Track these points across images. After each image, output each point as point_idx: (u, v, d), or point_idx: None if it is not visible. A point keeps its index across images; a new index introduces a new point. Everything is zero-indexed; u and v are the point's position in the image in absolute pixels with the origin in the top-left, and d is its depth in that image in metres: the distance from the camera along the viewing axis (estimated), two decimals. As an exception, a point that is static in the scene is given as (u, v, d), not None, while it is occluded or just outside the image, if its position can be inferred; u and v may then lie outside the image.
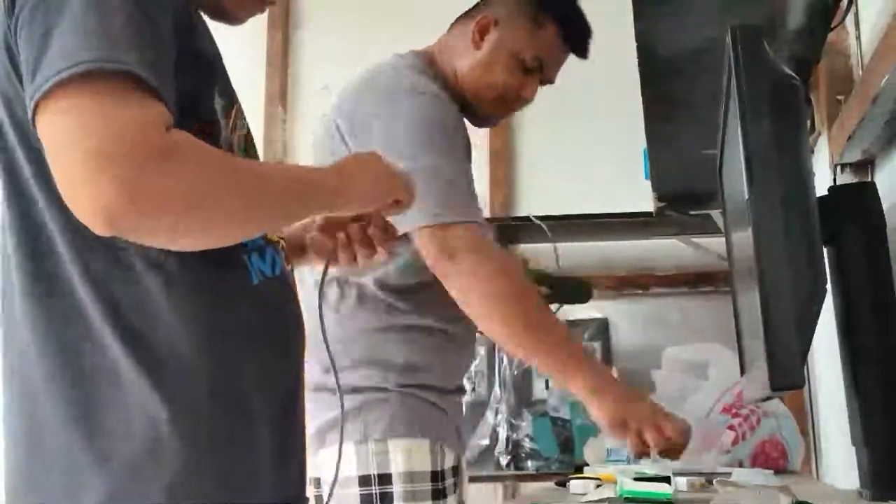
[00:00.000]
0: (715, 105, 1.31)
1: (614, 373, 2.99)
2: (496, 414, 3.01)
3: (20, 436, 0.95)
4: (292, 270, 1.14)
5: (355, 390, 1.56)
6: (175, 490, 0.90)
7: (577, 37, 1.75)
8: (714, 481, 1.58)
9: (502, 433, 2.97)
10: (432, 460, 1.58)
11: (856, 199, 1.31)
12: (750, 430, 2.02)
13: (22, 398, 0.95)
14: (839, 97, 1.79)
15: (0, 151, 0.97)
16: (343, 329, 1.59)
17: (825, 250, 1.23)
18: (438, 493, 1.59)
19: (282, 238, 1.12)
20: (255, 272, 1.02)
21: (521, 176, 3.45)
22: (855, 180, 1.72)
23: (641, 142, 2.15)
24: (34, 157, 0.93)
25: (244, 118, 1.08)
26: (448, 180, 1.54)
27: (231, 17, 1.14)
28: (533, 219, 2.92)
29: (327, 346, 1.25)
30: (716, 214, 2.49)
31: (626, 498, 1.39)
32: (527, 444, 2.94)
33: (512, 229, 3.18)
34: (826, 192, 1.31)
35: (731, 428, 2.02)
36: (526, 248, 3.29)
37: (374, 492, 1.54)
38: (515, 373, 3.06)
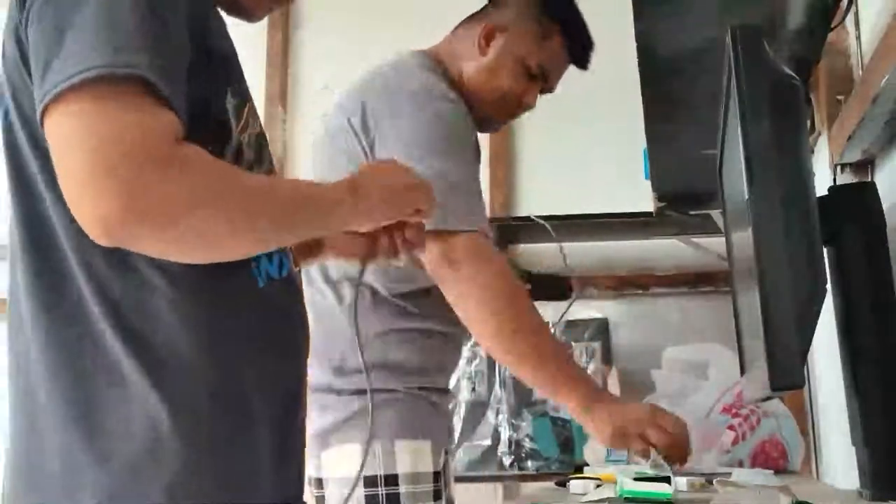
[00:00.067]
0: (715, 105, 1.31)
1: (614, 373, 3.00)
2: (497, 414, 3.01)
3: (21, 434, 0.95)
4: (300, 272, 1.14)
5: (364, 392, 1.57)
6: (175, 490, 0.90)
7: (580, 49, 1.77)
8: (714, 481, 1.57)
9: (504, 433, 2.97)
10: (434, 461, 1.60)
11: (856, 199, 1.31)
12: (750, 430, 2.02)
13: (24, 396, 0.95)
14: (839, 97, 1.79)
15: (6, 145, 0.97)
16: (350, 332, 1.59)
17: (825, 250, 1.23)
18: (438, 494, 1.61)
19: None
20: (262, 274, 1.02)
21: (522, 176, 3.45)
22: (855, 180, 1.72)
23: (641, 142, 2.15)
24: (40, 154, 0.92)
25: (257, 117, 1.06)
26: (454, 185, 1.54)
27: (248, 13, 1.14)
28: (535, 219, 2.91)
29: (361, 350, 1.26)
30: (716, 214, 2.49)
31: (626, 498, 1.39)
32: (527, 444, 2.94)
33: (512, 229, 3.18)
34: (826, 192, 1.31)
35: (731, 428, 2.02)
36: (526, 248, 3.30)
37: (380, 493, 1.54)
38: (515, 373, 3.06)
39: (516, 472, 2.93)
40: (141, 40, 0.85)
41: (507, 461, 2.94)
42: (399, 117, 1.58)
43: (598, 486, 1.59)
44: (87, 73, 0.82)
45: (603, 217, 3.02)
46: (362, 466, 1.30)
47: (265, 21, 3.59)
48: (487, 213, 1.70)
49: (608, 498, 1.43)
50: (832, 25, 1.67)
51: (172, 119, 0.85)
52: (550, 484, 1.84)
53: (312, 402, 1.19)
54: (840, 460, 2.07)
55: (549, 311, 3.01)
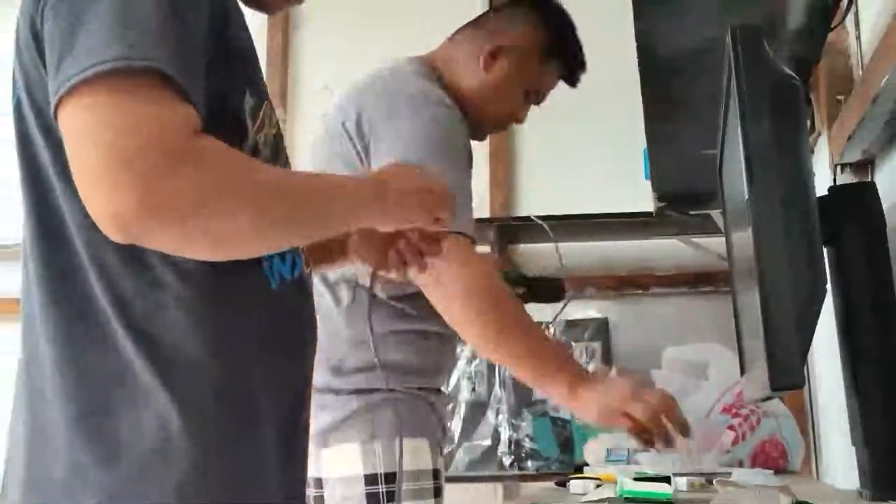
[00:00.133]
0: (715, 105, 1.31)
1: (614, 373, 3.00)
2: (497, 414, 3.02)
3: (25, 431, 0.93)
4: (311, 273, 1.12)
5: (363, 391, 1.59)
6: (183, 490, 0.89)
7: (575, 73, 1.83)
8: (714, 481, 1.58)
9: (504, 433, 2.97)
10: (432, 459, 1.62)
11: (856, 199, 1.31)
12: (750, 430, 2.02)
13: (31, 393, 0.94)
14: (839, 97, 1.79)
15: (19, 136, 0.96)
16: (354, 331, 1.60)
17: (825, 250, 1.23)
18: (437, 491, 1.63)
19: None
20: (275, 275, 1.00)
21: (521, 176, 3.45)
22: (855, 180, 1.72)
23: (641, 142, 2.15)
24: (53, 145, 0.91)
25: (274, 116, 1.05)
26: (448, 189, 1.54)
27: (268, 6, 1.13)
28: (534, 218, 2.91)
29: (376, 351, 1.26)
30: (716, 214, 2.49)
31: (626, 498, 1.39)
32: (527, 444, 2.94)
33: (512, 229, 3.18)
34: (826, 192, 1.31)
35: (731, 428, 2.02)
36: (526, 249, 3.30)
37: (380, 491, 1.56)
38: (515, 373, 3.06)
39: (516, 472, 2.93)
40: (158, 35, 0.83)
41: (507, 461, 2.95)
42: (397, 118, 1.59)
43: (598, 486, 1.59)
44: (102, 65, 0.80)
45: (603, 217, 3.02)
46: (401, 455, 1.32)
47: (265, 21, 3.62)
48: (487, 213, 1.71)
49: (608, 498, 1.43)
50: (832, 25, 1.67)
51: (190, 112, 0.84)
52: (550, 484, 1.85)
53: (313, 401, 1.19)
54: (840, 460, 2.07)
55: (549, 311, 3.02)
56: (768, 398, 1.22)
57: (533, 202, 3.36)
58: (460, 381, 3.09)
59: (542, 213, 2.97)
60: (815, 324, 1.05)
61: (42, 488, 0.91)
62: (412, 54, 1.80)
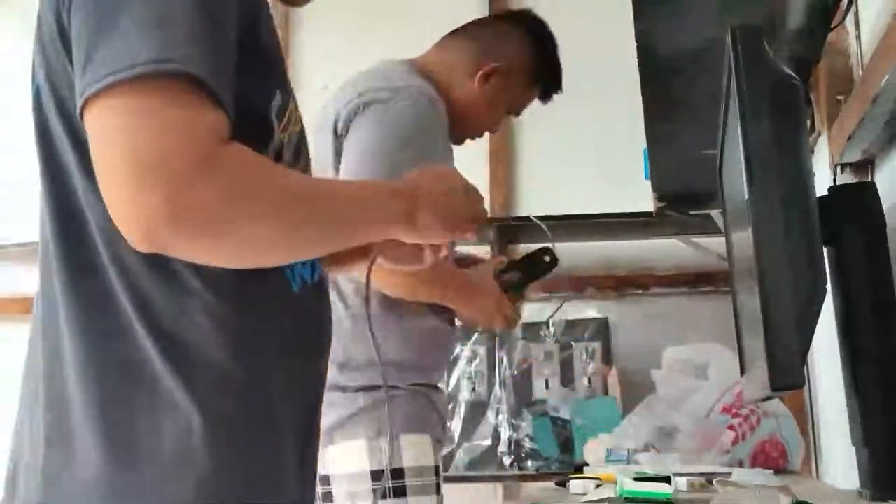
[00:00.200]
0: (715, 105, 1.31)
1: (614, 373, 3.00)
2: (497, 414, 3.02)
3: (45, 429, 0.91)
4: (327, 275, 1.11)
5: (368, 388, 1.61)
6: (203, 495, 0.88)
7: (552, 94, 1.94)
8: (714, 481, 1.58)
9: (504, 433, 2.97)
10: (434, 456, 1.64)
11: (856, 199, 1.31)
12: (750, 430, 2.02)
13: (50, 390, 0.91)
14: (839, 97, 1.79)
15: (38, 125, 0.94)
16: (357, 327, 1.61)
17: (825, 250, 1.23)
18: (438, 488, 1.64)
19: None
20: (297, 279, 0.99)
21: (521, 176, 3.45)
22: (855, 180, 1.72)
23: (641, 142, 2.15)
24: (75, 141, 0.89)
25: (298, 113, 1.03)
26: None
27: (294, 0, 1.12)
28: (533, 218, 2.91)
29: (376, 347, 1.26)
30: (716, 214, 2.49)
31: (626, 498, 1.39)
32: (527, 444, 2.94)
33: (512, 229, 3.18)
34: (826, 192, 1.31)
35: (731, 428, 2.02)
36: (526, 249, 3.29)
37: (386, 486, 1.57)
38: (515, 373, 3.07)
39: (516, 472, 2.93)
40: (191, 37, 0.81)
41: (507, 461, 2.95)
42: (379, 113, 1.63)
43: (598, 486, 1.59)
44: (133, 69, 0.78)
45: (603, 217, 3.02)
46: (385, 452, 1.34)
47: (265, 21, 3.62)
48: (488, 213, 1.73)
49: (608, 498, 1.43)
50: (832, 25, 1.67)
51: (220, 117, 0.82)
52: (550, 484, 1.85)
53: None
54: (840, 460, 2.07)
55: (548, 309, 3.02)
56: (768, 398, 1.22)
57: (533, 202, 3.36)
58: (460, 381, 3.09)
59: (542, 213, 2.97)
60: (815, 324, 1.05)
61: (63, 489, 0.89)
62: (409, 55, 1.82)
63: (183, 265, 0.89)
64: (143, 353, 0.89)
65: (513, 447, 2.96)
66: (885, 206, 1.27)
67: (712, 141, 1.45)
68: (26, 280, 3.28)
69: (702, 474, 1.67)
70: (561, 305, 2.86)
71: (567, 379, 3.06)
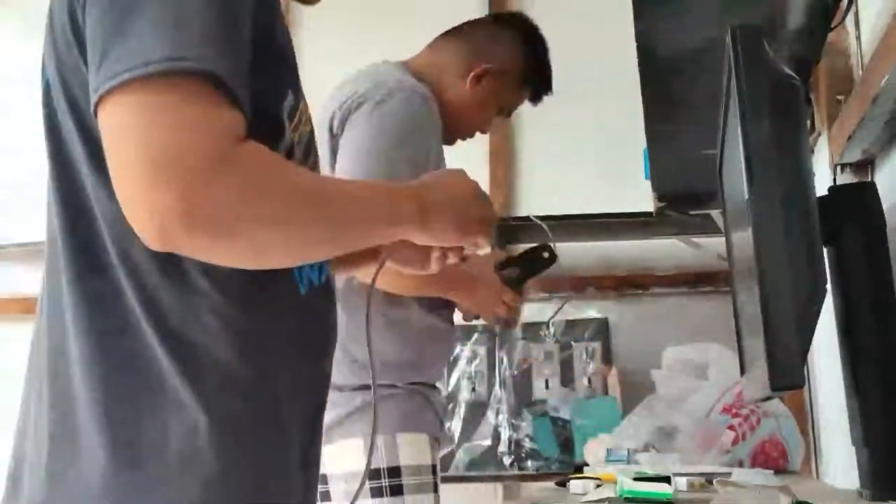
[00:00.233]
0: (715, 105, 1.31)
1: (614, 373, 3.00)
2: (497, 414, 3.02)
3: (50, 427, 0.90)
4: (333, 277, 1.11)
5: (364, 387, 1.61)
6: (208, 496, 0.87)
7: (542, 95, 1.95)
8: (714, 481, 1.58)
9: (504, 433, 2.97)
10: (431, 454, 1.64)
11: (856, 199, 1.31)
12: (750, 430, 2.02)
13: (55, 389, 0.91)
14: (839, 97, 1.79)
15: (47, 120, 0.93)
16: (354, 326, 1.61)
17: (825, 250, 1.23)
18: (435, 487, 1.65)
19: None
20: (304, 281, 0.99)
21: (521, 176, 3.45)
22: (855, 180, 1.72)
23: (641, 142, 2.15)
24: (86, 138, 0.89)
25: (308, 113, 1.03)
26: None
27: None
28: (533, 218, 2.91)
29: (370, 345, 1.26)
30: (716, 214, 2.49)
31: (626, 498, 1.39)
32: (527, 444, 2.94)
33: (512, 229, 3.18)
34: (826, 192, 1.31)
35: (731, 428, 2.02)
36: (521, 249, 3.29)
37: (384, 484, 1.58)
38: (515, 373, 3.07)
39: (516, 472, 2.93)
40: (208, 35, 0.80)
41: (507, 461, 2.95)
42: (372, 109, 1.64)
43: (598, 486, 1.59)
44: (150, 66, 0.77)
45: (603, 217, 3.02)
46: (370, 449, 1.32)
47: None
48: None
49: (608, 498, 1.43)
50: (832, 25, 1.67)
51: (237, 117, 0.81)
52: (550, 484, 1.85)
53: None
54: (840, 460, 2.07)
55: (548, 310, 3.02)
56: (768, 398, 1.22)
57: (533, 202, 3.36)
58: (460, 381, 3.09)
59: (542, 213, 2.97)
60: (815, 324, 1.05)
61: (68, 487, 0.88)
62: (409, 55, 1.84)
63: (192, 265, 0.89)
64: (150, 352, 0.88)
65: (513, 447, 2.96)
66: (885, 206, 1.27)
67: (712, 141, 1.45)
68: (26, 280, 3.29)
69: (702, 474, 1.67)
70: (562, 306, 2.85)
71: (567, 379, 3.06)
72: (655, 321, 3.16)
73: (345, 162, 1.62)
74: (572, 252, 2.95)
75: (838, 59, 1.83)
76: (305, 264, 0.98)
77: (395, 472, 1.60)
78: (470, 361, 3.10)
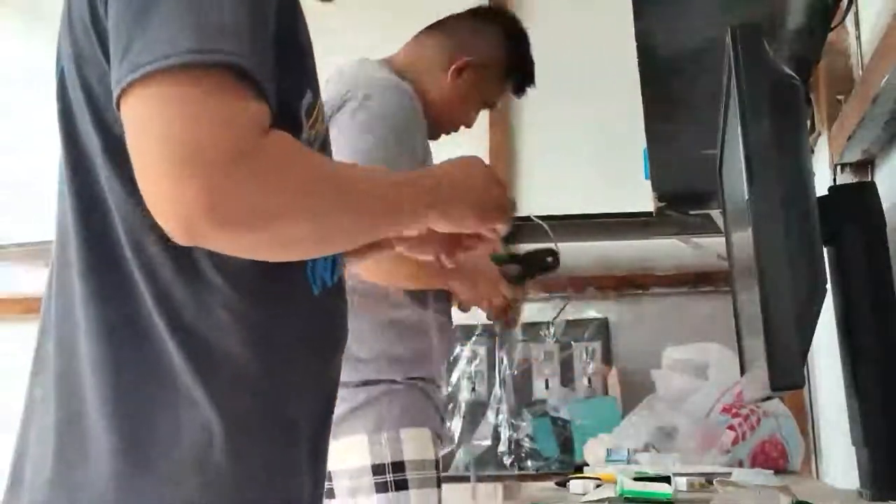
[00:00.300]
0: (715, 105, 1.31)
1: (614, 373, 3.00)
2: (497, 414, 3.02)
3: (56, 425, 0.89)
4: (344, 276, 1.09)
5: (368, 383, 1.62)
6: (219, 496, 0.87)
7: (525, 88, 1.96)
8: (714, 481, 1.58)
9: (504, 433, 2.97)
10: (434, 449, 1.66)
11: (856, 199, 1.31)
12: (750, 430, 2.02)
13: (61, 387, 0.90)
14: (839, 97, 1.79)
15: (61, 111, 0.92)
16: (357, 321, 1.62)
17: (825, 250, 1.23)
18: (439, 482, 1.66)
19: None
20: (317, 280, 0.98)
21: (521, 176, 3.45)
22: (855, 180, 1.72)
23: (641, 142, 2.15)
24: (101, 128, 0.87)
25: (324, 112, 1.02)
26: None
27: None
28: (534, 218, 2.92)
29: (368, 342, 1.26)
30: (716, 214, 2.49)
31: (626, 498, 1.39)
32: (527, 444, 2.94)
33: (512, 229, 3.17)
34: (826, 192, 1.31)
35: (731, 428, 2.02)
36: (526, 249, 3.29)
37: (388, 479, 1.59)
38: (515, 373, 3.07)
39: (516, 472, 2.93)
40: (235, 27, 0.79)
41: (507, 461, 2.95)
42: (358, 105, 1.65)
43: (598, 486, 1.59)
44: (176, 57, 0.76)
45: (603, 217, 3.02)
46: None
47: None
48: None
49: (608, 498, 1.43)
50: (832, 25, 1.67)
51: (263, 109, 0.80)
52: (550, 484, 1.85)
53: None
54: (840, 460, 2.07)
55: (549, 310, 3.02)
56: (768, 398, 1.22)
57: (533, 202, 3.36)
58: (460, 381, 3.09)
59: (542, 213, 2.97)
60: (815, 324, 1.05)
61: (76, 486, 0.87)
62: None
63: (205, 260, 0.88)
64: (162, 346, 0.87)
65: (513, 447, 2.96)
66: (885, 206, 1.27)
67: (712, 141, 1.45)
68: (26, 280, 3.29)
69: (702, 474, 1.67)
70: (564, 307, 2.86)
71: (567, 379, 3.06)
72: (655, 321, 3.16)
73: None
74: (572, 252, 2.95)
75: (838, 59, 1.83)
76: (318, 264, 0.98)
77: (399, 466, 1.61)
78: (470, 361, 3.10)
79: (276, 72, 0.84)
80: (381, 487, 1.59)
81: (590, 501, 1.43)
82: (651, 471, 1.65)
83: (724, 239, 1.56)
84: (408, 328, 1.70)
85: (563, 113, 3.26)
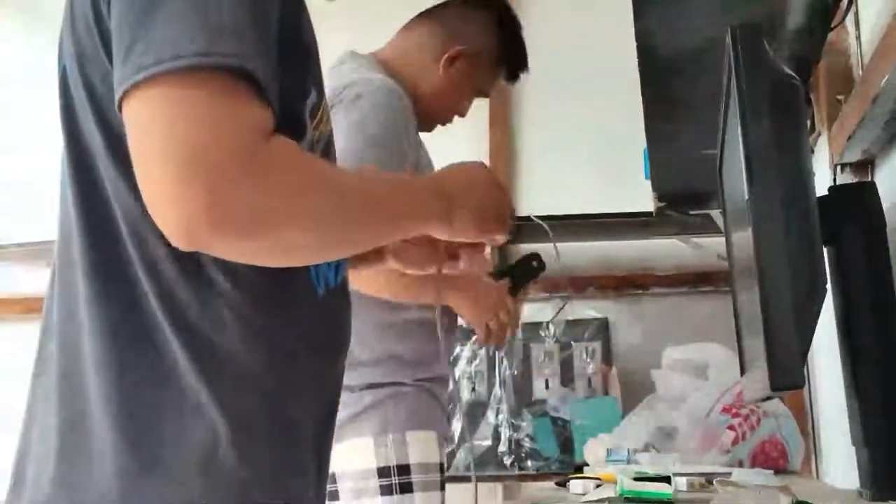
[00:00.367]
0: (715, 105, 1.31)
1: (614, 373, 3.00)
2: (497, 414, 3.02)
3: (59, 424, 0.89)
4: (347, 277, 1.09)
5: (374, 385, 1.62)
6: (223, 492, 0.86)
7: (519, 74, 1.93)
8: (714, 481, 1.58)
9: (504, 433, 2.97)
10: (439, 452, 1.65)
11: (856, 199, 1.31)
12: (750, 430, 2.02)
13: (64, 387, 0.89)
14: (839, 97, 1.79)
15: (64, 110, 0.91)
16: (358, 323, 1.62)
17: (825, 250, 1.23)
18: (443, 485, 1.65)
19: None
20: (321, 282, 0.98)
21: (521, 176, 3.44)
22: (855, 180, 1.72)
23: (641, 142, 2.15)
24: (104, 128, 0.87)
25: (329, 112, 1.01)
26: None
27: None
28: (534, 218, 2.92)
29: (369, 344, 1.26)
30: (716, 214, 2.49)
31: (626, 498, 1.39)
32: (527, 444, 2.94)
33: (512, 229, 3.17)
34: (826, 192, 1.31)
35: (731, 428, 2.02)
36: (526, 249, 3.29)
37: (393, 482, 1.58)
38: (515, 373, 3.07)
39: (516, 472, 2.93)
40: (240, 30, 0.78)
41: (507, 461, 2.95)
42: (347, 106, 1.64)
43: (598, 486, 1.59)
44: (181, 60, 0.75)
45: (603, 217, 3.02)
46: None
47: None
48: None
49: (608, 498, 1.43)
50: (832, 25, 1.67)
51: (266, 114, 0.79)
52: (550, 484, 1.85)
53: None
54: (840, 460, 2.07)
55: (549, 311, 3.02)
56: (768, 398, 1.22)
57: (533, 202, 3.36)
58: (460, 380, 3.09)
59: (542, 213, 2.97)
60: (815, 324, 1.05)
61: (77, 488, 0.87)
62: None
63: (210, 261, 0.87)
64: (167, 346, 0.87)
65: (513, 447, 2.96)
66: (885, 206, 1.27)
67: (712, 141, 1.45)
68: (26, 280, 3.29)
69: (702, 474, 1.67)
70: (563, 307, 2.86)
71: (567, 379, 3.06)
72: (655, 321, 3.16)
73: None
74: (572, 252, 2.95)
75: (838, 59, 1.83)
76: (322, 265, 0.98)
77: (404, 469, 1.61)
78: (470, 361, 3.10)
79: (280, 72, 0.84)
80: (386, 490, 1.59)
81: (590, 501, 1.43)
82: (651, 471, 1.65)
83: (724, 239, 1.56)
84: (413, 329, 1.69)
85: (563, 113, 3.26)
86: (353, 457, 1.61)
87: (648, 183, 2.45)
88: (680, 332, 2.91)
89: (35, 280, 2.98)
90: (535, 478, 2.85)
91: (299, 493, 0.95)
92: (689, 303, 3.17)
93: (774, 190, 1.02)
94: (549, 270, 1.92)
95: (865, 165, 1.71)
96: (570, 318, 3.14)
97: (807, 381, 2.41)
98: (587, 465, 2.18)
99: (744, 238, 1.14)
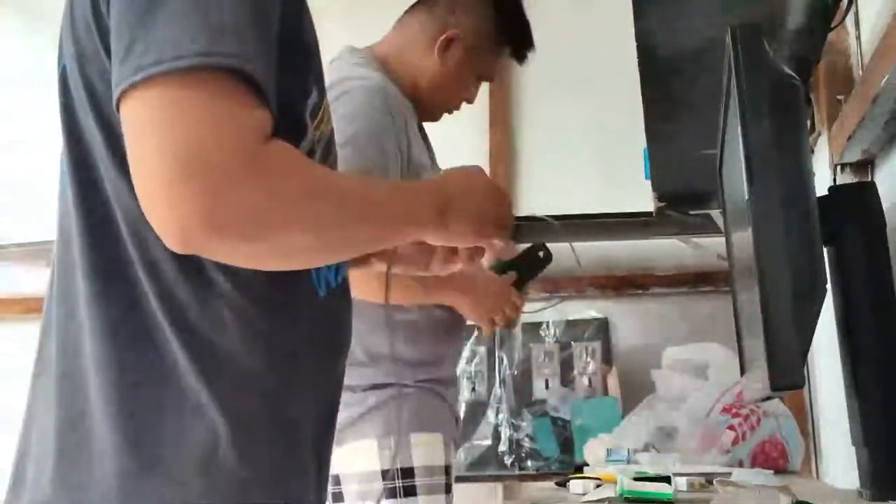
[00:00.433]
0: (715, 105, 1.31)
1: (614, 373, 3.00)
2: (497, 414, 3.02)
3: (58, 424, 0.88)
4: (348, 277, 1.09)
5: (377, 387, 1.61)
6: (222, 492, 0.86)
7: (525, 53, 1.87)
8: (714, 481, 1.58)
9: (504, 433, 2.97)
10: (445, 454, 1.64)
11: (856, 199, 1.31)
12: (750, 430, 2.02)
13: (63, 387, 0.89)
14: (839, 97, 1.79)
15: (64, 109, 0.91)
16: (362, 324, 1.61)
17: (825, 250, 1.23)
18: (448, 487, 1.64)
19: None
20: (322, 283, 0.98)
21: (521, 176, 3.44)
22: (855, 180, 1.72)
23: (641, 142, 2.15)
24: (103, 126, 0.87)
25: (329, 112, 1.01)
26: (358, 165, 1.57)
27: None
28: (547, 219, 2.92)
29: (368, 345, 1.25)
30: (716, 214, 2.49)
31: (626, 498, 1.39)
32: (527, 444, 2.94)
33: (514, 228, 3.16)
34: (826, 192, 1.31)
35: (731, 428, 2.02)
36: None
37: (397, 485, 1.57)
38: (515, 373, 3.07)
39: (516, 472, 2.93)
40: (240, 31, 0.78)
41: (507, 461, 2.95)
42: (336, 103, 1.61)
43: (598, 486, 1.59)
44: (180, 60, 0.75)
45: (603, 217, 3.02)
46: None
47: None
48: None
49: (608, 498, 1.43)
50: (832, 25, 1.67)
51: (265, 116, 0.79)
52: (550, 484, 1.85)
53: None
54: (840, 460, 2.07)
55: (548, 311, 3.02)
56: (768, 398, 1.22)
57: (533, 202, 3.36)
58: (460, 380, 3.09)
59: (542, 213, 2.97)
60: (815, 324, 1.05)
61: (77, 488, 0.86)
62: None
63: (211, 262, 0.87)
64: (167, 346, 0.86)
65: (513, 447, 2.96)
66: (885, 206, 1.27)
67: (712, 141, 1.45)
68: (26, 280, 3.29)
69: (702, 474, 1.67)
70: (551, 298, 2.85)
71: (567, 379, 3.06)
72: (655, 321, 3.15)
73: None
74: (572, 252, 2.94)
75: (838, 59, 1.83)
76: (323, 266, 0.98)
77: (408, 472, 1.59)
78: (470, 361, 3.10)
79: (280, 72, 0.84)
80: (390, 493, 1.58)
81: (590, 501, 1.43)
82: (651, 471, 1.65)
83: (724, 239, 1.56)
84: (416, 330, 1.68)
85: (564, 113, 3.26)
86: (358, 458, 1.60)
87: (648, 183, 2.45)
88: (680, 332, 2.91)
89: (35, 280, 2.98)
90: (535, 478, 2.85)
91: (299, 494, 0.95)
92: (689, 303, 3.17)
93: (774, 190, 1.02)
94: (548, 270, 1.91)
95: (865, 165, 1.71)
96: (570, 318, 3.14)
97: (807, 381, 2.41)
98: (587, 465, 2.18)
99: (744, 238, 1.14)
